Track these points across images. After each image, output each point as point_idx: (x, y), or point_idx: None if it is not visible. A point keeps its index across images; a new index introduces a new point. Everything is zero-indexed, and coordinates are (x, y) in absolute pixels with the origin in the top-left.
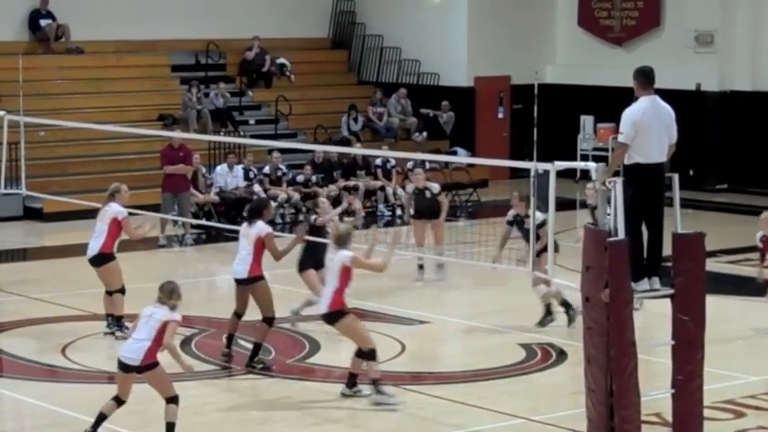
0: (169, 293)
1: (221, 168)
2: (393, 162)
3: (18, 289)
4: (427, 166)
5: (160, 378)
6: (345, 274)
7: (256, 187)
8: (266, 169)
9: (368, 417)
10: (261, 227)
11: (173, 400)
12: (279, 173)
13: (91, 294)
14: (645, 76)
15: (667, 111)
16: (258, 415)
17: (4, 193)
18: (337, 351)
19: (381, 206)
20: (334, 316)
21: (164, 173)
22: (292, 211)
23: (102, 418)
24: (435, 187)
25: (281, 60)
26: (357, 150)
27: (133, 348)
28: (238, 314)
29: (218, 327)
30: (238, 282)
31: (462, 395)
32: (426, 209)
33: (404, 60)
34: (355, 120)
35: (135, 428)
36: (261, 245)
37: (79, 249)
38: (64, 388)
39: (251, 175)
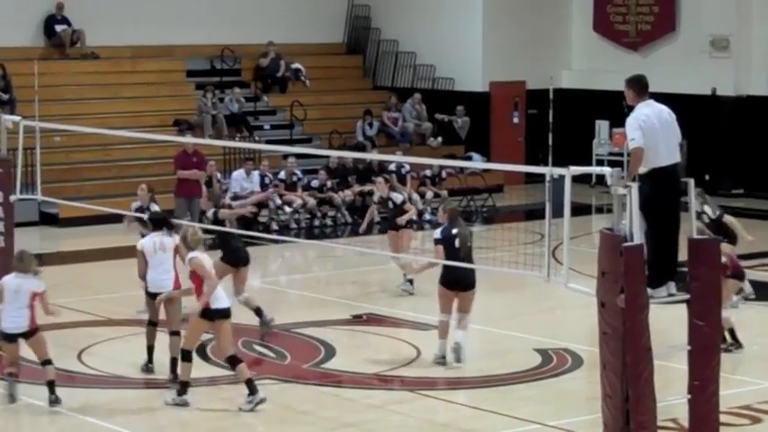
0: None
1: (238, 174)
2: (408, 167)
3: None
4: (443, 174)
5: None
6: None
7: (271, 192)
8: (281, 174)
9: (383, 422)
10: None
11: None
12: (294, 178)
13: (106, 299)
14: (640, 84)
15: (666, 110)
16: (273, 420)
17: (19, 198)
18: (353, 356)
19: None
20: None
21: (177, 178)
22: (308, 216)
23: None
24: None
25: (296, 66)
26: (372, 156)
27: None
28: None
29: (236, 332)
30: None
31: (478, 400)
32: None
33: (419, 65)
34: (370, 125)
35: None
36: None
37: (95, 255)
38: (80, 393)
39: (266, 180)
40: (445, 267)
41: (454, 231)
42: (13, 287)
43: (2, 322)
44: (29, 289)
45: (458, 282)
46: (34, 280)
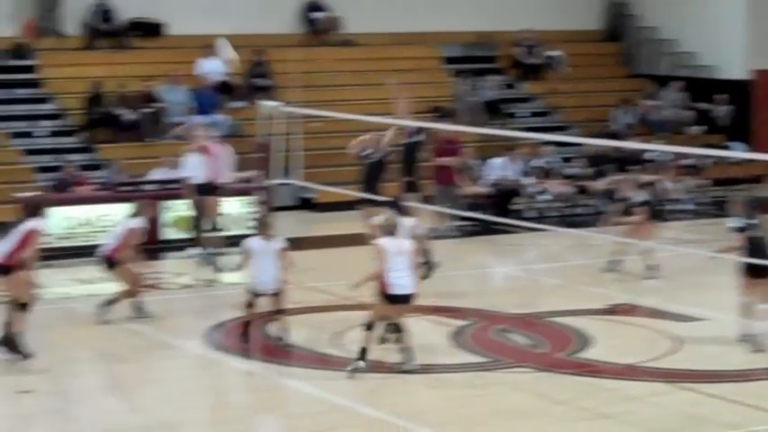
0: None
1: (497, 161)
2: (667, 156)
3: (290, 277)
4: (704, 163)
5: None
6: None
7: (527, 180)
8: (538, 162)
9: (641, 413)
10: None
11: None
12: (551, 166)
13: None
14: None
15: None
16: (526, 408)
17: (279, 182)
18: (609, 346)
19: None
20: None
21: (435, 165)
22: (564, 204)
23: None
24: None
25: (553, 53)
26: (628, 144)
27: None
28: None
29: (491, 319)
30: None
31: (738, 394)
32: None
33: (679, 52)
34: (628, 113)
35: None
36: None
37: (349, 239)
38: (336, 376)
39: (524, 168)
40: (747, 256)
41: (752, 222)
42: (261, 249)
43: (254, 282)
44: (274, 249)
45: (760, 268)
46: (277, 241)
